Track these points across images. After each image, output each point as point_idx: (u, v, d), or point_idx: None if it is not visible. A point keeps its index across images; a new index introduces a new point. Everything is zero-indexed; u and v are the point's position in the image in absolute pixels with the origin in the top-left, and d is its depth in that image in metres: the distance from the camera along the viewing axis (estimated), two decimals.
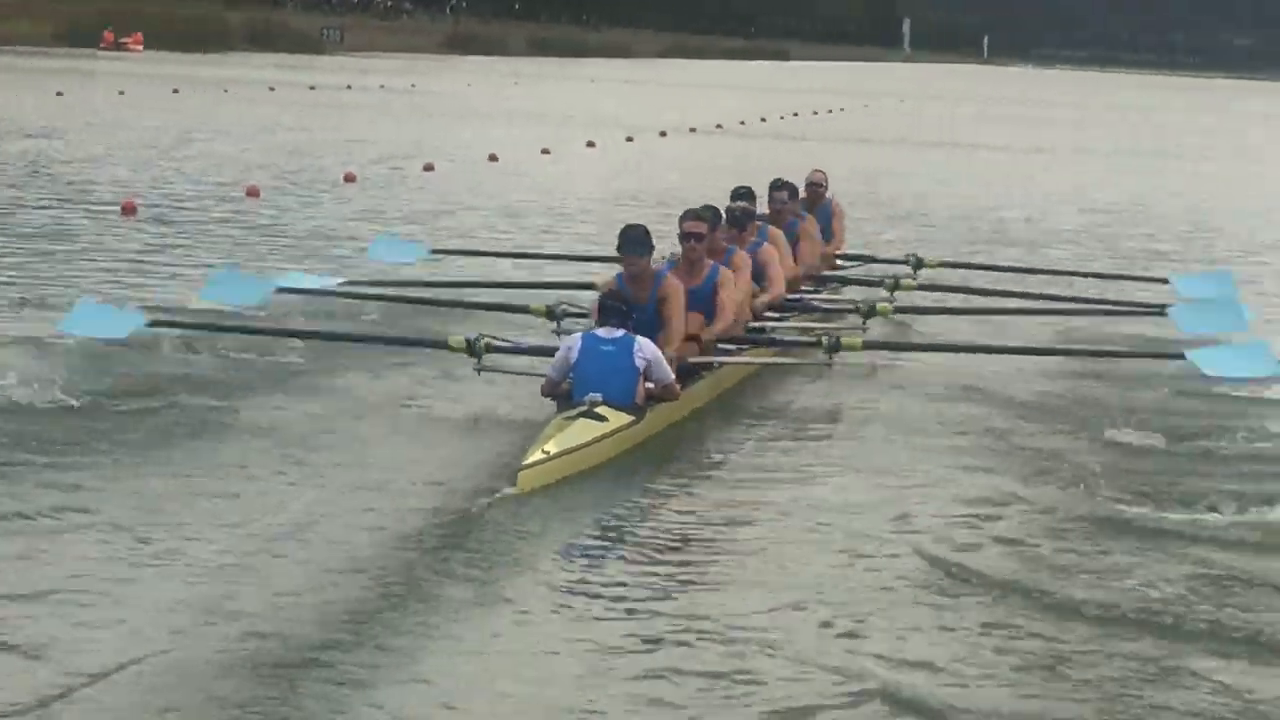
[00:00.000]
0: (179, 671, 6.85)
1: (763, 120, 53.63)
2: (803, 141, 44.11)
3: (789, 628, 7.58)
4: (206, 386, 11.60)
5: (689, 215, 12.26)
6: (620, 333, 10.70)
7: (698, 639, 7.39)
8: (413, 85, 66.31)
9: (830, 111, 64.18)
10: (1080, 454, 10.89)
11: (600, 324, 10.85)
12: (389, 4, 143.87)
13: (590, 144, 38.20)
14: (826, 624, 7.67)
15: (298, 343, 12.86)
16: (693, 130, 46.26)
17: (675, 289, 11.49)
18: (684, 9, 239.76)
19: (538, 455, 9.70)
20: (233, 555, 8.25)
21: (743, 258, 12.99)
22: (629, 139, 40.90)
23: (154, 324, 12.60)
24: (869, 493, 9.99)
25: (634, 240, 11.47)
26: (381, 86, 63.42)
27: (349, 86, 61.48)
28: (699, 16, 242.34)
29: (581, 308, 12.79)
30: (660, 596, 8.01)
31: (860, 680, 7.00)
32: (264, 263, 18.13)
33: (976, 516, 9.39)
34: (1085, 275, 18.29)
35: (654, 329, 11.13)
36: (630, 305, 10.95)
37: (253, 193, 24.41)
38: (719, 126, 48.72)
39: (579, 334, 10.97)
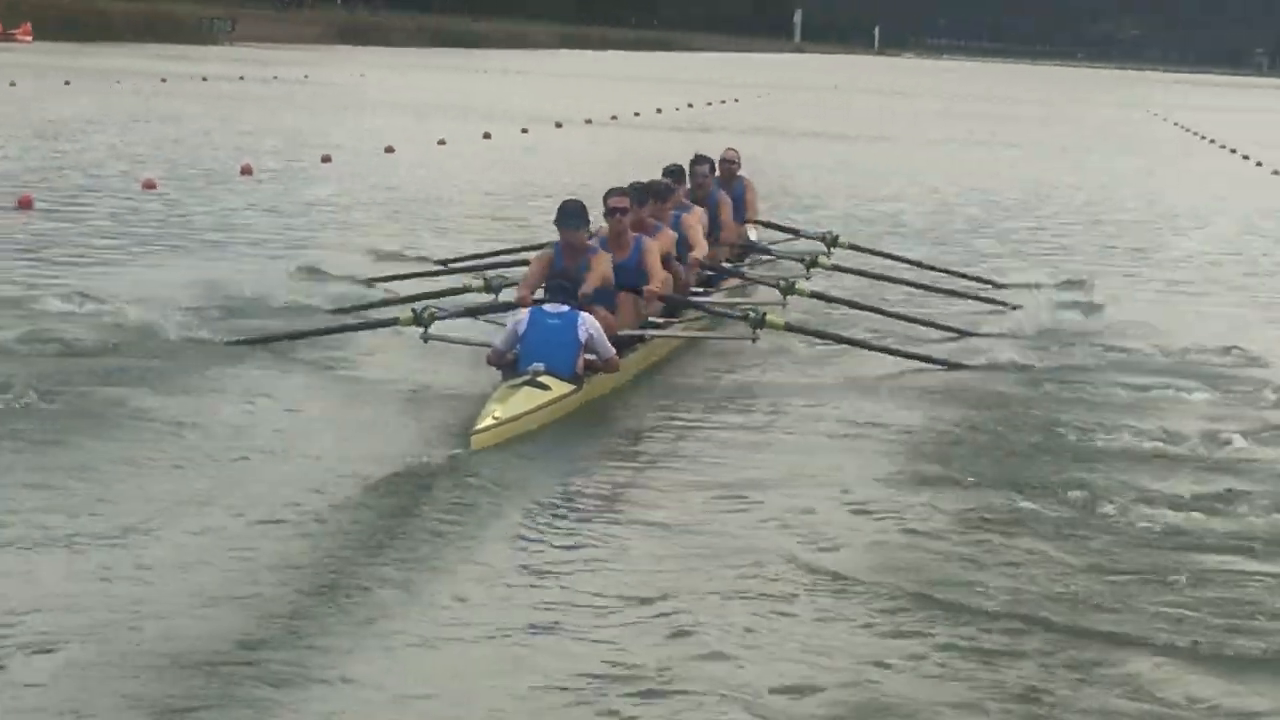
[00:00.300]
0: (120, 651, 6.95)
1: (658, 111, 53.72)
2: (700, 133, 44.29)
3: (696, 610, 7.79)
4: (147, 380, 11.65)
5: (613, 192, 13.17)
6: (566, 308, 11.55)
7: (621, 621, 7.66)
8: (305, 76, 65.73)
9: (724, 103, 64.42)
10: (979, 451, 11.07)
11: (547, 299, 11.70)
12: None
13: (486, 135, 38.20)
14: (727, 607, 7.89)
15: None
16: (588, 122, 46.42)
17: (602, 260, 12.44)
18: (578, 1, 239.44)
19: (488, 421, 10.44)
20: (176, 540, 8.43)
21: (666, 233, 13.94)
22: (524, 130, 40.93)
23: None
24: (782, 472, 10.45)
25: (570, 214, 12.39)
26: (275, 77, 62.84)
27: (241, 77, 60.88)
28: (594, 6, 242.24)
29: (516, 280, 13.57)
30: (582, 571, 8.36)
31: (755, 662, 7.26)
32: (162, 257, 18.13)
33: (872, 505, 9.71)
34: (961, 275, 18.50)
35: (595, 290, 12.13)
36: (576, 284, 11.82)
37: (149, 186, 24.28)
38: (614, 118, 48.94)
39: (529, 308, 11.74)
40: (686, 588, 8.07)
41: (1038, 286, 16.91)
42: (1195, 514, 9.60)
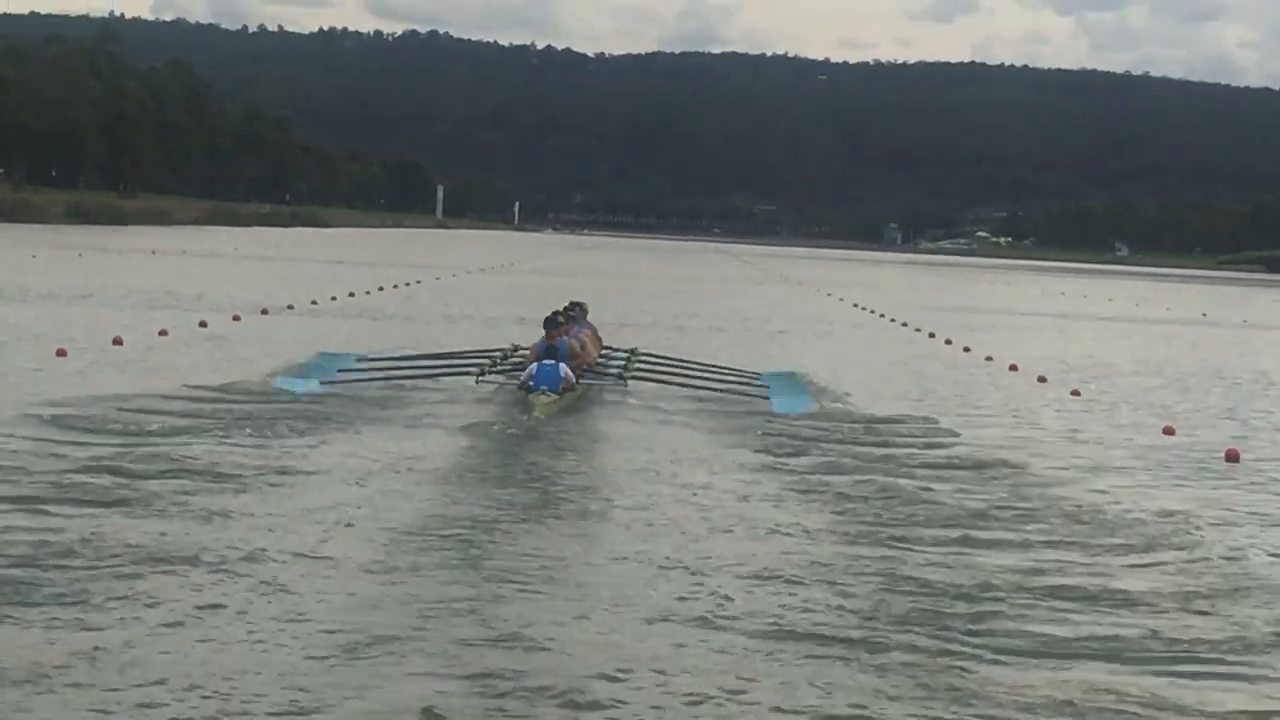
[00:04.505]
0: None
1: (351, 295, 53.15)
2: (412, 322, 44.01)
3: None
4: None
5: (556, 313, 26.63)
6: (552, 362, 23.95)
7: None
8: None
9: (407, 284, 64.17)
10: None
11: (544, 357, 24.17)
12: None
13: (203, 324, 37.13)
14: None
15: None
16: (290, 308, 45.44)
17: (573, 344, 25.81)
18: (217, 175, 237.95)
19: (537, 406, 22.62)
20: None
21: (582, 335, 27.40)
22: (235, 318, 39.94)
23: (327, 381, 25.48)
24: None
25: (551, 321, 25.63)
26: None
27: None
28: (233, 182, 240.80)
29: (527, 346, 27.26)
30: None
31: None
32: None
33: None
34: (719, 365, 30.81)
35: (565, 358, 24.50)
36: (559, 353, 24.37)
37: None
38: (314, 303, 48.02)
39: (536, 363, 24.06)
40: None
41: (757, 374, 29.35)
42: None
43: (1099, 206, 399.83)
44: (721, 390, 26.84)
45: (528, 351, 26.22)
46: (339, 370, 26.66)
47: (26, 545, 12.70)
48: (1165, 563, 14.39)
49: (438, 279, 72.68)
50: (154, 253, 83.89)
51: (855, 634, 11.33)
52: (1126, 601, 12.70)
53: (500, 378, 26.08)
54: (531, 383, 23.59)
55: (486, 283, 74.47)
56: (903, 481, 18.29)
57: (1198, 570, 14.12)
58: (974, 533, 15.32)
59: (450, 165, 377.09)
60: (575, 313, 28.65)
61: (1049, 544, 14.99)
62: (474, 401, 24.35)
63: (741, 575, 12.99)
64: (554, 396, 23.31)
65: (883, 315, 60.71)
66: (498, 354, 28.12)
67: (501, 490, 16.51)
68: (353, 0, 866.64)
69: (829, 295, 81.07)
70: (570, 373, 24.16)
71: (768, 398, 26.05)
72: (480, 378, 25.83)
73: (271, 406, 22.40)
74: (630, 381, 26.93)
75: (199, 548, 12.98)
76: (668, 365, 29.11)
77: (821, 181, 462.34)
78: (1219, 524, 16.86)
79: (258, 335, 35.87)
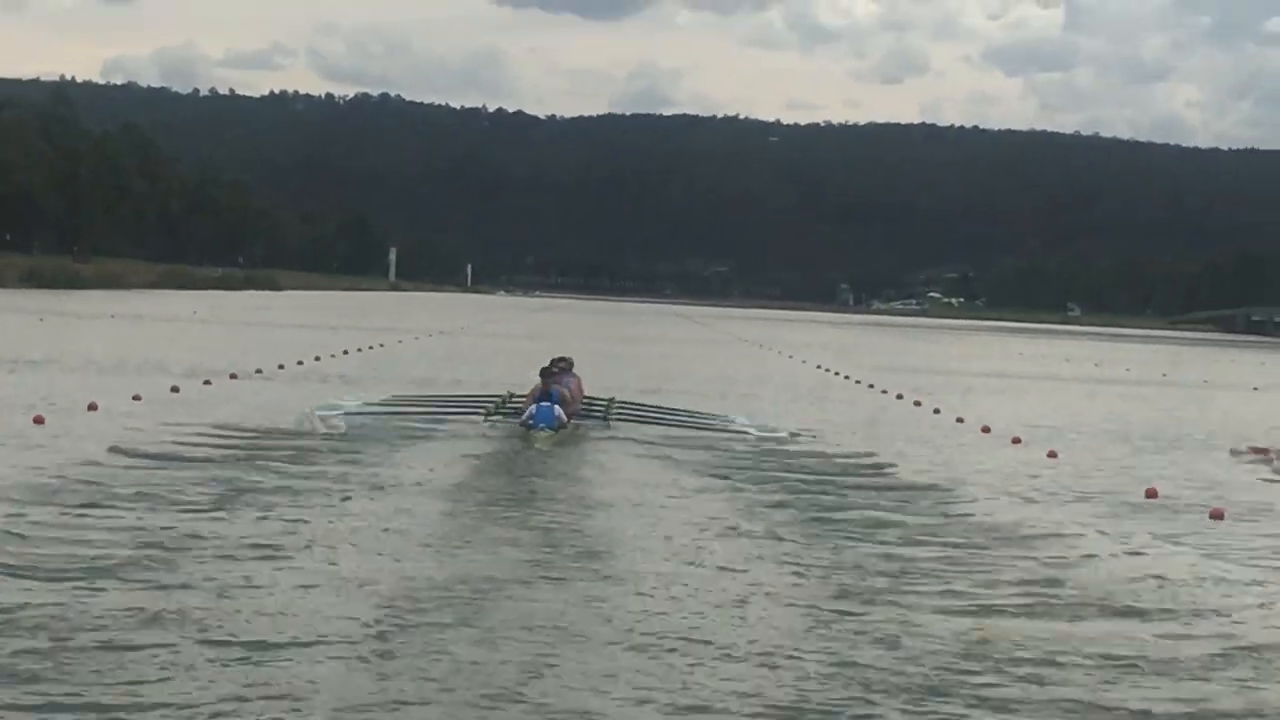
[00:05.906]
0: None
1: (317, 359, 52.95)
2: (379, 381, 43.99)
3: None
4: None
5: (555, 361, 31.50)
6: (549, 404, 28.66)
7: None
8: None
9: (373, 348, 64.08)
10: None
11: (540, 400, 28.86)
12: None
13: (174, 389, 36.95)
14: None
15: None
16: (259, 372, 45.21)
17: (566, 392, 29.97)
18: (170, 238, 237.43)
19: (538, 441, 27.47)
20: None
21: (573, 383, 31.65)
22: (207, 382, 39.77)
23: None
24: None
25: (546, 370, 30.04)
26: None
27: None
28: (186, 245, 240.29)
29: (522, 393, 31.26)
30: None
31: None
32: None
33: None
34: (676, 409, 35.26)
35: (559, 401, 29.18)
36: (554, 396, 29.01)
37: None
38: (281, 367, 47.79)
39: (536, 404, 28.76)
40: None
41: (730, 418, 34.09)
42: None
43: (1051, 266, 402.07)
44: (690, 426, 32.33)
45: (525, 396, 30.64)
46: (365, 404, 32.54)
47: (39, 615, 12.64)
48: (1182, 628, 14.43)
49: (400, 342, 72.55)
50: (113, 317, 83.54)
51: (861, 694, 11.42)
52: (1144, 667, 12.71)
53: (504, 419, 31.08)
54: (531, 421, 28.45)
55: (451, 346, 74.38)
56: (891, 548, 18.25)
57: (1207, 632, 14.18)
58: (980, 600, 15.26)
59: (402, 227, 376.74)
60: (564, 364, 33.18)
61: (1055, 609, 14.95)
62: (482, 438, 28.67)
63: (735, 642, 12.98)
64: (551, 432, 28.10)
65: (847, 377, 60.57)
66: (498, 399, 32.56)
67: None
68: (303, 63, 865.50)
69: (790, 357, 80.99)
70: (563, 413, 29.03)
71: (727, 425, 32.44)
72: (489, 417, 30.63)
73: (264, 468, 22.64)
74: (612, 422, 32.02)
75: (213, 609, 12.93)
76: (641, 411, 34.23)
77: (774, 242, 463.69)
78: (1220, 582, 17.01)
79: (230, 399, 35.67)
